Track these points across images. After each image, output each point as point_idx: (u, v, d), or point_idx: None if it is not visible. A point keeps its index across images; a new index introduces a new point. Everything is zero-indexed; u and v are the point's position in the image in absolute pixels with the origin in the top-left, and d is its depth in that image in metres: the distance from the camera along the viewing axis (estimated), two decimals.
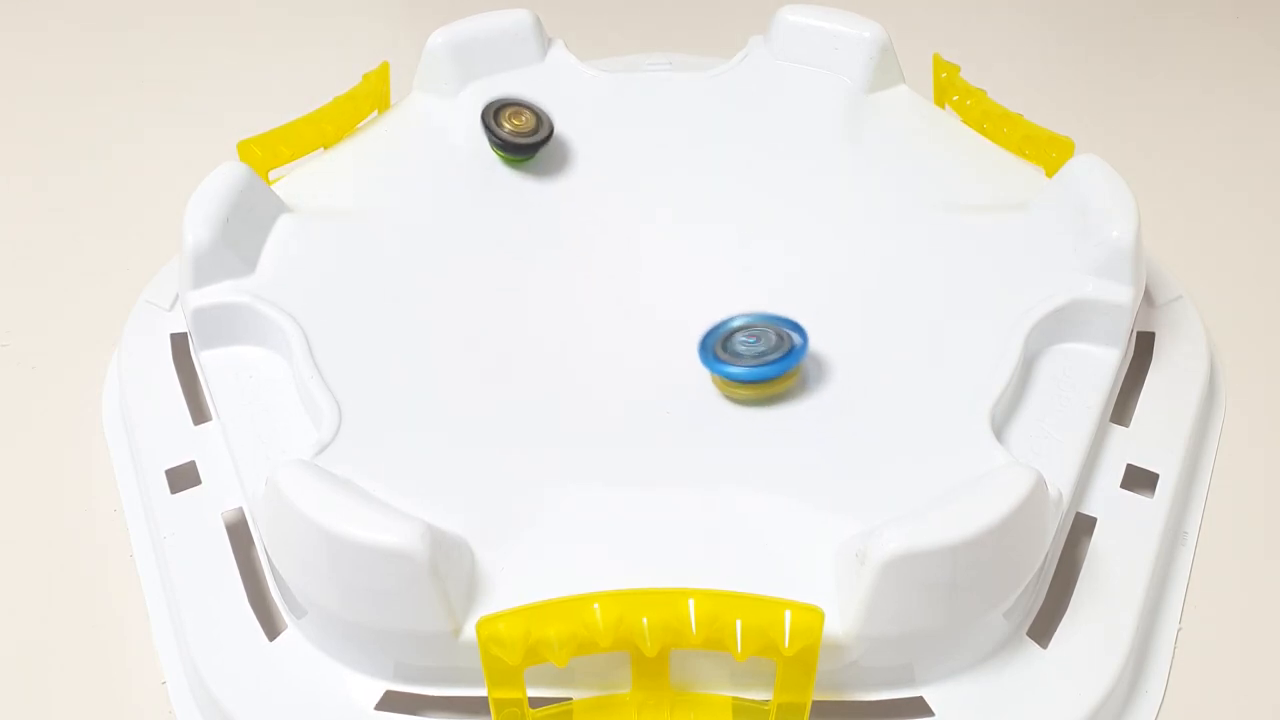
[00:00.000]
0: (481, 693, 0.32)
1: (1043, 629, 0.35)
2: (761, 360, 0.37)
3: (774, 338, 0.38)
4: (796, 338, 0.38)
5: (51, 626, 0.38)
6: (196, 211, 0.41)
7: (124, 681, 0.37)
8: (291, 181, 0.46)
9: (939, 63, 0.51)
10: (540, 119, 0.46)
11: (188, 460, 0.40)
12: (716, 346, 0.38)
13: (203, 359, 0.41)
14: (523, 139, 0.45)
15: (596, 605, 0.30)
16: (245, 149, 0.45)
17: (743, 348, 0.38)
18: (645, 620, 0.30)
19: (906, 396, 0.38)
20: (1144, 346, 0.44)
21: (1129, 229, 0.40)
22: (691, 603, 0.30)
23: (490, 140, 0.45)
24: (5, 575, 0.40)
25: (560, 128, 0.48)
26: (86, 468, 0.43)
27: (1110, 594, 0.36)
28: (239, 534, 0.38)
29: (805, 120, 0.48)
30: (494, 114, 0.46)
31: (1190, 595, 0.39)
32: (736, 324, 0.38)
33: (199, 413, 0.42)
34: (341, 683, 0.34)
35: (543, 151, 0.47)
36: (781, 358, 0.37)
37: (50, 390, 0.46)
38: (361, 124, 0.49)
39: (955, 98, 0.49)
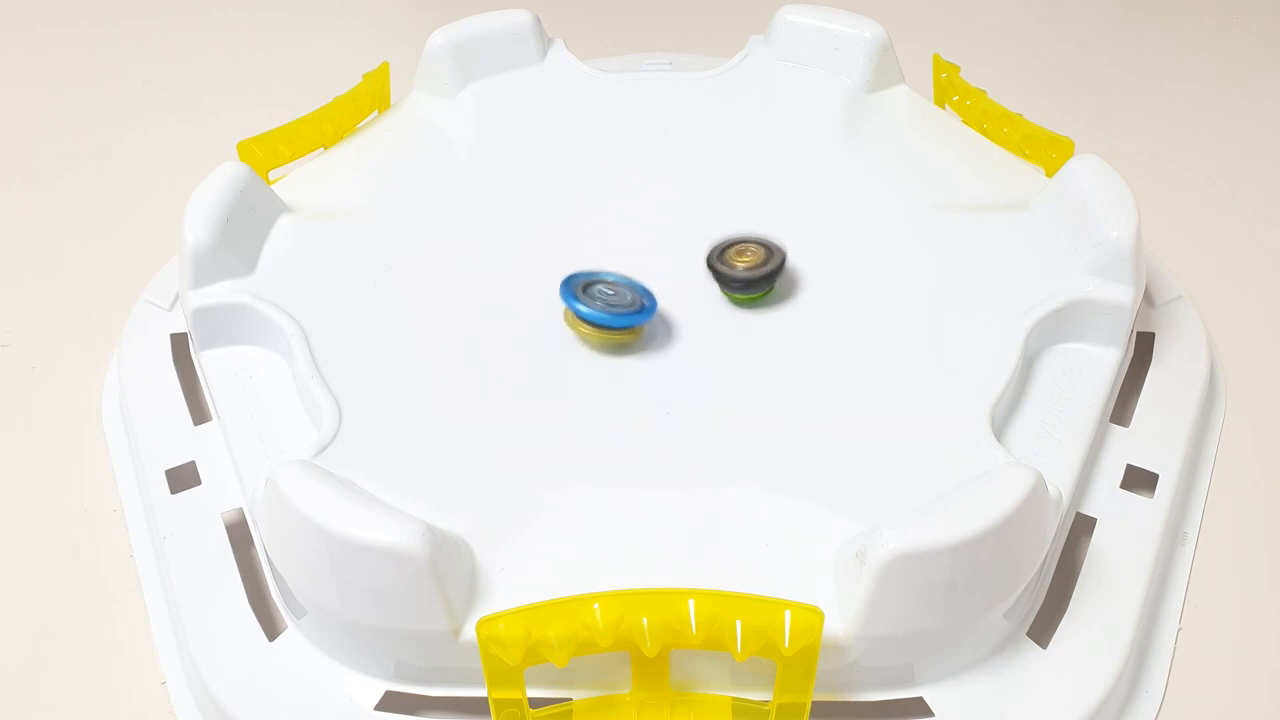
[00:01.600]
0: (481, 693, 0.32)
1: (1043, 629, 0.35)
2: (611, 310, 0.40)
3: (629, 297, 0.40)
4: (646, 301, 0.40)
5: (51, 626, 0.38)
6: (196, 211, 0.41)
7: (124, 681, 0.37)
8: (291, 181, 0.46)
9: (939, 63, 0.51)
10: (770, 250, 0.41)
11: (188, 460, 0.40)
12: (578, 288, 0.40)
13: (203, 359, 0.41)
14: (759, 270, 0.41)
15: (596, 605, 0.30)
16: (245, 149, 0.45)
17: (601, 297, 0.40)
18: (645, 620, 0.30)
19: (906, 396, 0.38)
20: (1144, 346, 0.44)
21: (1129, 229, 0.40)
22: (691, 603, 0.30)
23: (726, 287, 0.41)
24: (5, 575, 0.40)
25: (560, 128, 0.49)
26: (86, 468, 0.43)
27: (1110, 594, 0.36)
28: (239, 534, 0.38)
29: (805, 120, 0.48)
30: (719, 257, 0.41)
31: (1190, 595, 0.39)
32: (606, 277, 0.41)
33: (199, 413, 0.42)
34: (341, 683, 0.34)
35: (542, 153, 0.47)
36: (628, 314, 0.40)
37: (50, 390, 0.46)
38: (361, 124, 0.49)
39: (955, 98, 0.49)
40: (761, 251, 0.41)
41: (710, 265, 0.41)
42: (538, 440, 0.37)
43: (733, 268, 0.41)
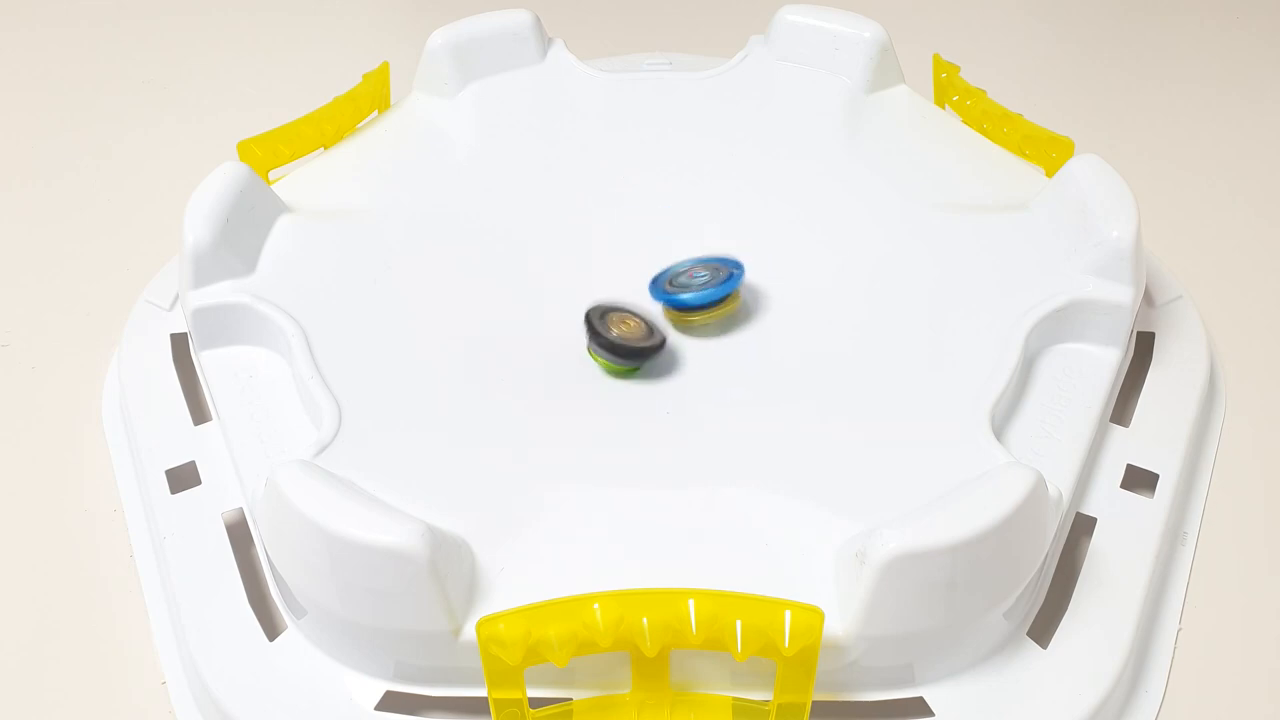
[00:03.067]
0: (481, 693, 0.32)
1: (1043, 629, 0.35)
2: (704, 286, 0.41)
3: (713, 272, 0.41)
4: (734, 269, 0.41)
5: (51, 627, 0.38)
6: (196, 211, 0.41)
7: (124, 681, 0.37)
8: (291, 181, 0.46)
9: (939, 63, 0.51)
10: (651, 329, 0.40)
11: (188, 460, 0.40)
12: (666, 284, 0.41)
13: (203, 359, 0.41)
14: (634, 343, 0.39)
15: (596, 605, 0.30)
16: (245, 149, 0.45)
17: (687, 280, 0.41)
18: (645, 620, 0.30)
19: (907, 396, 0.38)
20: (1144, 346, 0.44)
21: (1129, 229, 0.40)
22: (691, 603, 0.30)
23: (596, 345, 0.39)
24: (5, 575, 0.40)
25: (560, 128, 0.48)
26: (86, 468, 0.43)
27: (1110, 594, 0.36)
28: (239, 534, 0.38)
29: (805, 120, 0.48)
30: (600, 317, 0.40)
31: (1190, 595, 0.39)
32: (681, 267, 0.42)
33: (199, 413, 0.42)
34: (341, 683, 0.34)
35: (542, 153, 0.47)
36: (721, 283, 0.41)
37: (50, 390, 0.46)
38: (361, 124, 0.49)
39: (955, 98, 0.49)
40: (641, 326, 0.40)
41: (590, 323, 0.39)
42: (538, 440, 0.37)
43: (609, 331, 0.39)
